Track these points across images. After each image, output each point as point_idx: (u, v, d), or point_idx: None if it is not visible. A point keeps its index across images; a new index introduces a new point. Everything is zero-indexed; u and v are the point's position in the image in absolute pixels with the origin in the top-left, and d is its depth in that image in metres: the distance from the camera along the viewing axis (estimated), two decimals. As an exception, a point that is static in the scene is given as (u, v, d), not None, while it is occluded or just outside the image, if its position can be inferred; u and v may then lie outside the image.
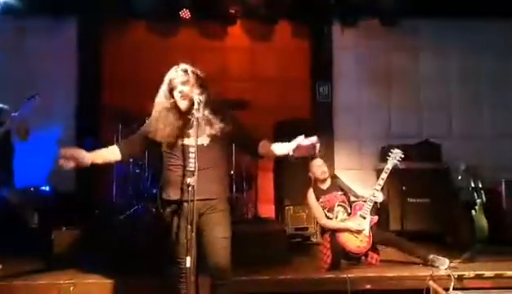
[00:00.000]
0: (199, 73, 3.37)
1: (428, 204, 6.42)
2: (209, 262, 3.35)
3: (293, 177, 6.61)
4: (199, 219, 3.26)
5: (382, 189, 4.95)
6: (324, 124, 7.13)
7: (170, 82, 3.35)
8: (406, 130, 6.91)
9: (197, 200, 3.05)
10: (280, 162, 6.75)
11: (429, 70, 7.11)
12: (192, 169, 3.10)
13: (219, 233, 3.36)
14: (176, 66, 3.38)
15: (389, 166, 4.97)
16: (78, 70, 6.85)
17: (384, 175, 4.94)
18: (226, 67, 7.18)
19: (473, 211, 6.09)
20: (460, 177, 6.37)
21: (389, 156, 5.03)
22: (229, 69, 7.18)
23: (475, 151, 6.67)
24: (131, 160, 6.00)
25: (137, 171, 5.98)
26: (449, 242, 6.13)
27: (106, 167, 6.10)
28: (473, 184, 6.21)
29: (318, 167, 5.15)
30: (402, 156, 5.01)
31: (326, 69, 7.24)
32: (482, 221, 6.03)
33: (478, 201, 6.11)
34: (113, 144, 5.91)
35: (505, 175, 6.49)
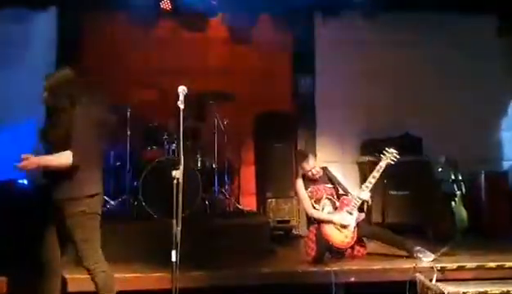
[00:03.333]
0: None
1: (409, 196, 6.44)
2: None
3: (275, 170, 6.61)
4: None
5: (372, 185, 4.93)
6: (306, 117, 7.10)
7: None
8: (388, 123, 6.90)
9: None
10: (262, 154, 6.76)
11: (410, 63, 7.10)
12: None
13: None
14: None
15: (383, 165, 4.95)
16: (56, 61, 6.67)
17: (376, 174, 4.93)
18: (207, 59, 7.09)
19: (453, 203, 6.18)
20: (440, 169, 6.44)
21: (384, 155, 5.00)
22: (210, 61, 7.09)
23: (455, 143, 6.69)
24: (111, 153, 5.92)
25: (118, 163, 5.88)
26: (430, 234, 6.14)
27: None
28: (453, 177, 6.30)
29: (312, 166, 5.11)
30: (397, 156, 4.98)
31: (308, 61, 7.19)
32: (462, 213, 6.13)
33: (458, 193, 6.22)
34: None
35: (484, 167, 6.57)
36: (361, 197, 4.87)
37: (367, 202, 4.95)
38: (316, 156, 6.67)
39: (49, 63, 6.44)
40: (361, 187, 5.02)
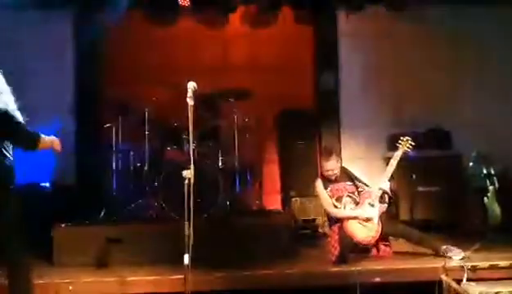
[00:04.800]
0: None
1: (438, 192, 6.28)
2: None
3: (298, 168, 6.52)
4: None
5: (392, 177, 4.85)
6: (329, 113, 6.96)
7: None
8: (415, 117, 6.72)
9: None
10: (286, 152, 6.66)
11: (438, 57, 6.90)
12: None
13: None
14: None
15: (399, 153, 4.88)
16: (76, 63, 6.70)
17: (393, 163, 4.84)
18: (227, 56, 7.01)
19: (485, 199, 5.98)
20: (471, 164, 6.23)
21: (400, 144, 4.93)
22: (230, 58, 7.01)
23: (486, 137, 6.47)
24: (131, 153, 5.89)
25: (138, 164, 5.84)
26: (461, 232, 5.95)
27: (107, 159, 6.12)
28: (485, 171, 6.08)
29: (330, 168, 5.00)
30: (413, 143, 4.90)
31: (331, 56, 7.03)
32: (496, 209, 5.93)
33: (491, 188, 6.01)
34: (111, 137, 5.91)
35: (517, 161, 6.31)
36: (381, 187, 4.78)
37: (387, 193, 4.84)
38: (340, 153, 6.55)
39: (67, 65, 6.49)
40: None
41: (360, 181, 5.06)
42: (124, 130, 5.96)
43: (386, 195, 4.84)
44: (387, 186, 4.80)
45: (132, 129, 5.95)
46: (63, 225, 4.94)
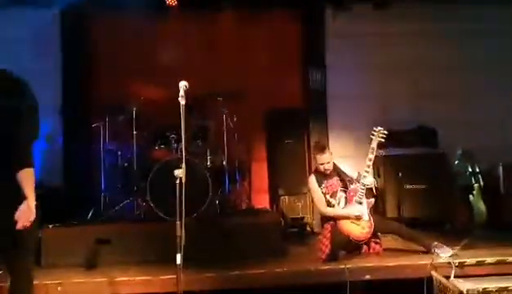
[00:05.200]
0: None
1: (425, 190, 6.31)
2: None
3: (287, 166, 6.53)
4: None
5: (372, 170, 4.90)
6: (317, 112, 6.96)
7: None
8: (402, 116, 6.77)
9: None
10: (274, 151, 6.66)
11: (424, 54, 6.95)
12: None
13: None
14: None
15: (374, 145, 4.88)
16: (63, 62, 6.62)
17: (371, 156, 4.85)
18: (215, 55, 6.97)
19: (470, 196, 6.05)
20: (456, 162, 6.30)
21: (373, 135, 4.93)
22: (218, 58, 6.97)
23: (471, 135, 6.53)
24: (119, 153, 5.85)
25: (126, 164, 5.81)
26: (447, 229, 6.04)
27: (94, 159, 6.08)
28: (470, 169, 6.15)
29: (325, 161, 5.02)
30: (386, 132, 4.90)
31: (319, 55, 7.04)
32: (481, 206, 6.00)
33: (476, 185, 6.08)
34: (99, 136, 5.87)
35: (502, 159, 6.37)
36: (365, 183, 4.79)
37: (371, 187, 4.88)
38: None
39: (55, 64, 6.42)
40: (359, 174, 4.92)
41: (346, 176, 5.08)
42: (112, 130, 5.92)
43: (373, 188, 4.89)
44: (370, 181, 4.82)
45: (120, 129, 5.90)
46: (51, 226, 4.89)
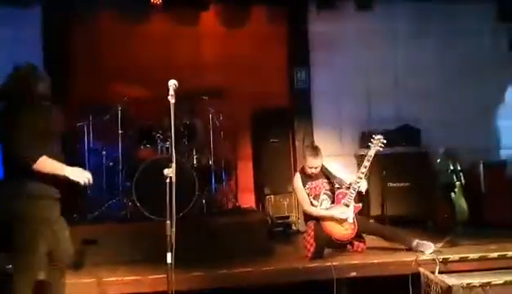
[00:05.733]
0: None
1: (408, 188, 6.40)
2: None
3: (272, 165, 6.55)
4: None
5: (365, 176, 4.87)
6: (302, 111, 7.00)
7: None
8: (386, 115, 6.85)
9: None
10: (260, 150, 6.68)
11: (408, 53, 7.04)
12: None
13: None
14: None
15: (372, 153, 4.89)
16: (44, 61, 6.52)
17: (366, 163, 4.86)
18: (200, 54, 6.96)
19: (452, 194, 6.13)
20: (439, 160, 6.39)
21: (372, 142, 4.95)
22: (203, 56, 6.96)
23: (453, 134, 6.64)
24: (104, 152, 5.82)
25: (111, 163, 5.77)
26: (430, 226, 6.13)
27: (78, 160, 6.01)
28: (452, 167, 6.24)
29: (316, 165, 5.00)
30: (384, 141, 4.93)
31: (303, 54, 7.08)
32: (462, 203, 6.09)
33: (458, 183, 6.16)
34: (84, 135, 5.82)
35: (482, 157, 6.50)
36: (357, 188, 4.80)
37: (362, 193, 4.91)
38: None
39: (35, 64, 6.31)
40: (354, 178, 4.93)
41: (336, 179, 5.07)
42: (97, 129, 5.88)
43: (361, 195, 4.91)
44: (363, 187, 4.84)
45: (105, 128, 5.87)
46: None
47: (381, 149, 4.96)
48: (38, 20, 6.54)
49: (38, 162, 3.18)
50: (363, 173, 4.83)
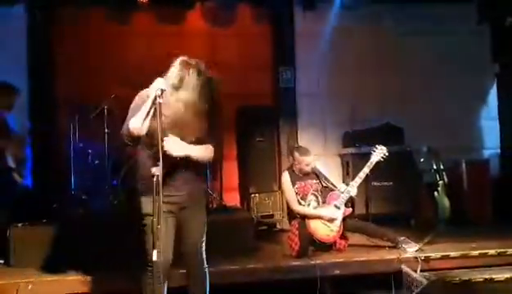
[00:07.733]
0: None
1: (392, 187, 6.44)
2: None
3: (257, 164, 6.58)
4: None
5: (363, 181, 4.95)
6: (287, 110, 7.03)
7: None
8: (369, 115, 6.90)
9: None
10: (244, 149, 6.70)
11: (392, 53, 7.11)
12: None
13: None
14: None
15: (373, 161, 4.94)
16: (28, 59, 6.48)
17: (366, 170, 4.92)
18: (186, 53, 6.90)
19: (435, 193, 6.21)
20: (422, 159, 6.46)
21: (374, 151, 4.99)
22: (188, 56, 6.92)
23: (436, 133, 6.72)
24: (90, 151, 5.80)
25: (97, 161, 5.76)
26: (413, 225, 6.20)
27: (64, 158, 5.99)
28: (435, 166, 6.32)
29: (309, 161, 5.04)
30: (386, 153, 4.97)
31: (289, 54, 7.11)
32: (445, 202, 6.17)
33: (440, 182, 6.23)
34: (70, 135, 5.80)
35: (465, 156, 6.59)
36: (350, 192, 4.86)
37: (354, 198, 5.00)
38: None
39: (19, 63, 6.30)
40: (349, 182, 5.02)
41: (328, 180, 5.09)
42: (82, 128, 5.86)
43: (352, 200, 4.99)
44: (355, 192, 4.89)
45: (91, 127, 5.84)
46: (20, 225, 4.81)
47: (382, 160, 4.99)
48: (22, 19, 6.48)
49: None
50: (361, 178, 4.89)
